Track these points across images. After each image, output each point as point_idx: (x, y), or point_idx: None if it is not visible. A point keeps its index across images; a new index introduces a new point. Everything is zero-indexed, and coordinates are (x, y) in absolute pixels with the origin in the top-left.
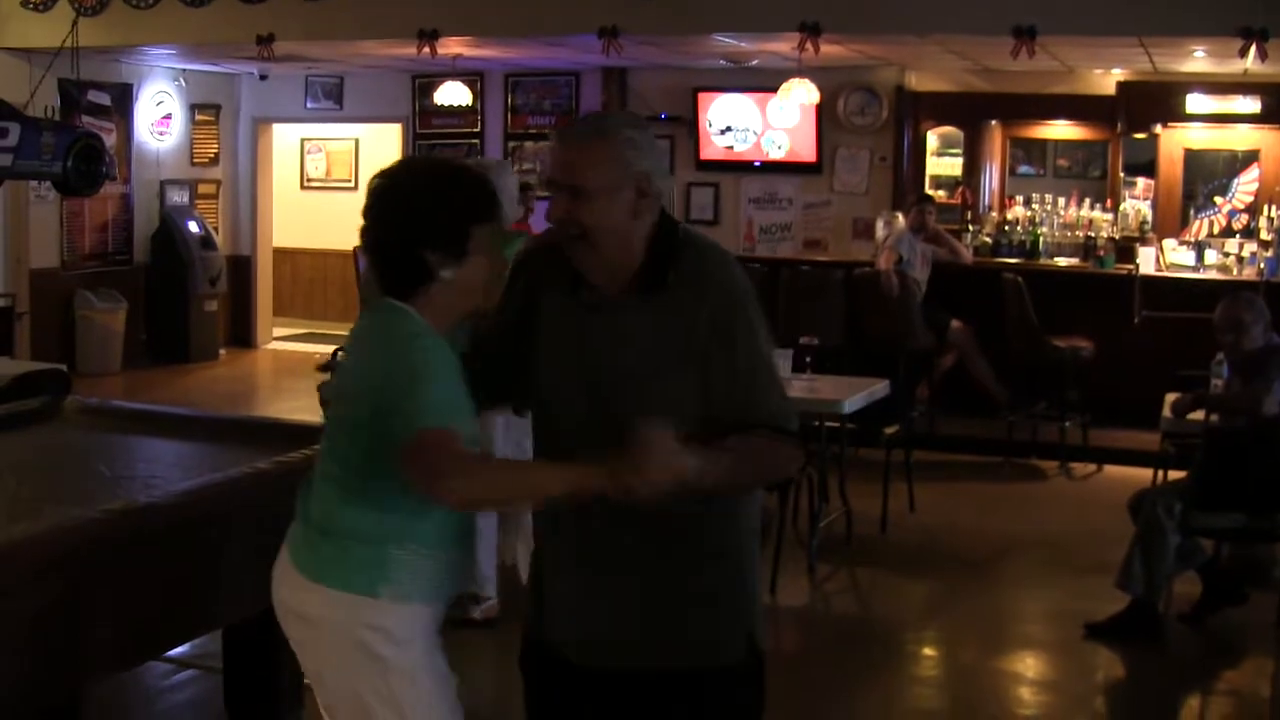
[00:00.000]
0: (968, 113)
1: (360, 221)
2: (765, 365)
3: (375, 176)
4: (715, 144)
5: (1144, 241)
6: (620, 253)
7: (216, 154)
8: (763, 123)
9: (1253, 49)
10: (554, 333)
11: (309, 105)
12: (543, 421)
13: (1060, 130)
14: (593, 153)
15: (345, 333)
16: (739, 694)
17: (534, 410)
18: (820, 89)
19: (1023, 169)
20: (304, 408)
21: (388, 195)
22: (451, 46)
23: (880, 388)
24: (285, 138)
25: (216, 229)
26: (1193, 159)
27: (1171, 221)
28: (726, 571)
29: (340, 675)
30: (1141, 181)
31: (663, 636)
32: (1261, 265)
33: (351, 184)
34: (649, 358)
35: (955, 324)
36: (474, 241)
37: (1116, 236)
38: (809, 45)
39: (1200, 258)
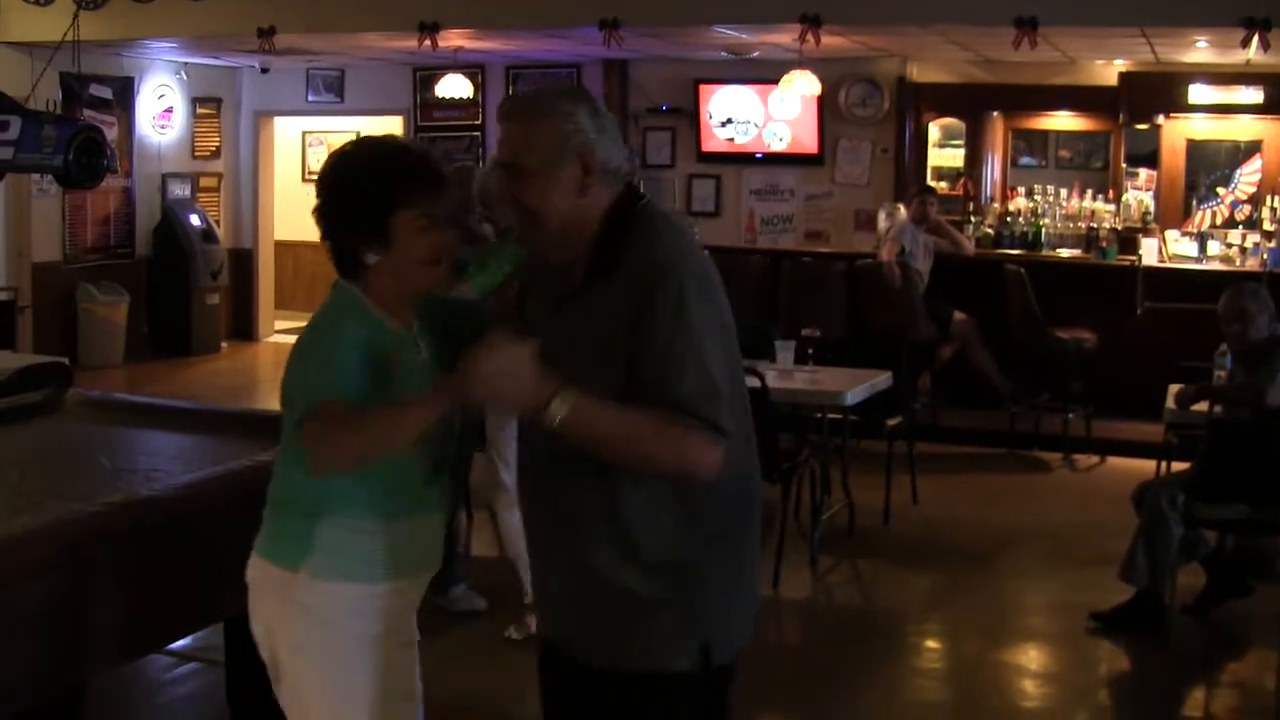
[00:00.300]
0: (969, 104)
1: None
2: (689, 344)
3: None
4: (716, 136)
5: (1146, 233)
6: (573, 235)
7: (218, 147)
8: (764, 114)
9: (1255, 39)
10: (530, 325)
11: (310, 98)
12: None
13: (1062, 121)
14: (529, 130)
15: None
16: (684, 706)
17: None
18: (821, 80)
19: (1024, 160)
20: None
21: (320, 181)
22: (452, 39)
23: (882, 379)
24: (286, 131)
25: (218, 222)
26: (1195, 150)
27: (1174, 212)
28: (668, 577)
29: (267, 642)
30: (1144, 172)
31: (600, 634)
32: (1264, 256)
33: None
34: (578, 354)
35: (958, 315)
36: (396, 228)
37: (1119, 228)
38: (810, 36)
39: (1203, 249)
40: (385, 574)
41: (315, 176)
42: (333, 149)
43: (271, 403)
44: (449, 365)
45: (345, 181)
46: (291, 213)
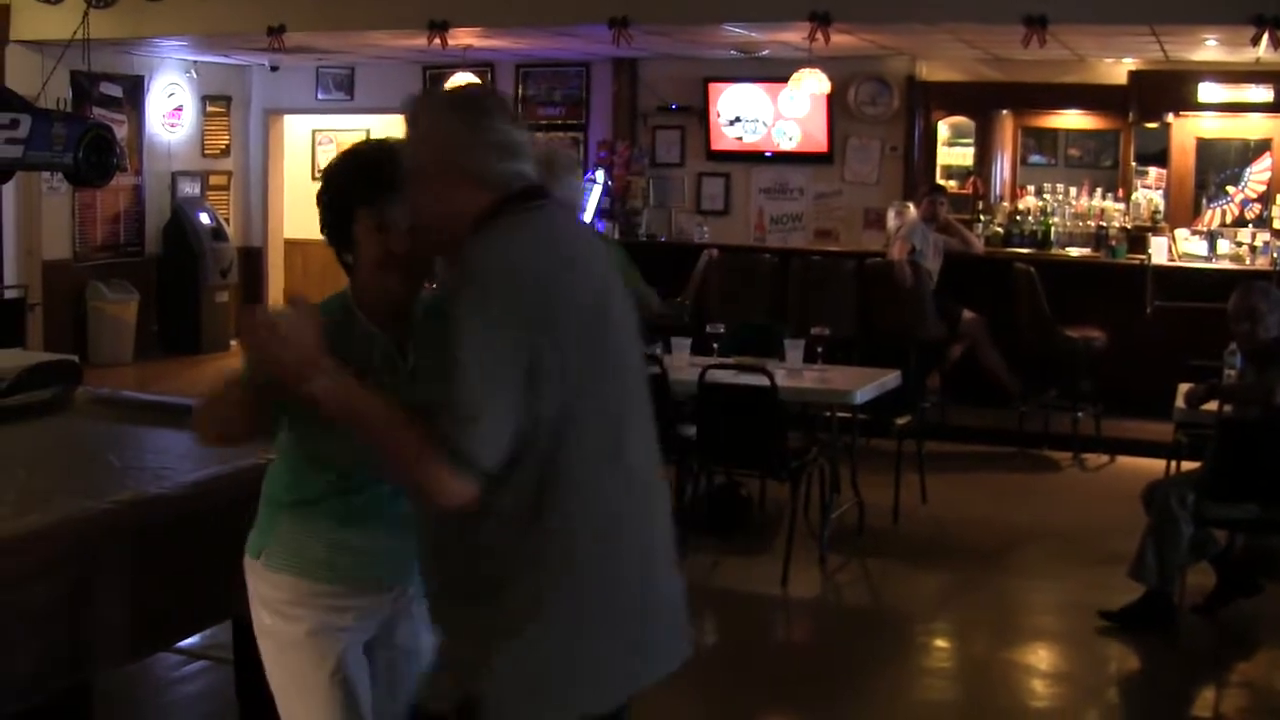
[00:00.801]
0: (979, 102)
1: None
2: (454, 358)
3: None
4: (726, 134)
5: (1156, 231)
6: (448, 251)
7: (228, 145)
8: (774, 113)
9: (1265, 37)
10: None
11: (320, 96)
12: None
13: (1072, 120)
14: (405, 136)
15: None
16: None
17: None
18: (831, 79)
19: (1034, 158)
20: None
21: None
22: (462, 37)
23: (891, 378)
24: (296, 129)
25: (228, 220)
26: (1205, 148)
27: (1184, 211)
28: (449, 607)
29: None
30: (1153, 171)
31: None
32: (1275, 255)
33: None
34: (428, 363)
35: (967, 314)
36: (357, 226)
37: (1128, 226)
38: (819, 35)
39: (1213, 247)
40: (331, 576)
41: None
42: (342, 147)
43: None
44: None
45: (324, 180)
46: (301, 211)
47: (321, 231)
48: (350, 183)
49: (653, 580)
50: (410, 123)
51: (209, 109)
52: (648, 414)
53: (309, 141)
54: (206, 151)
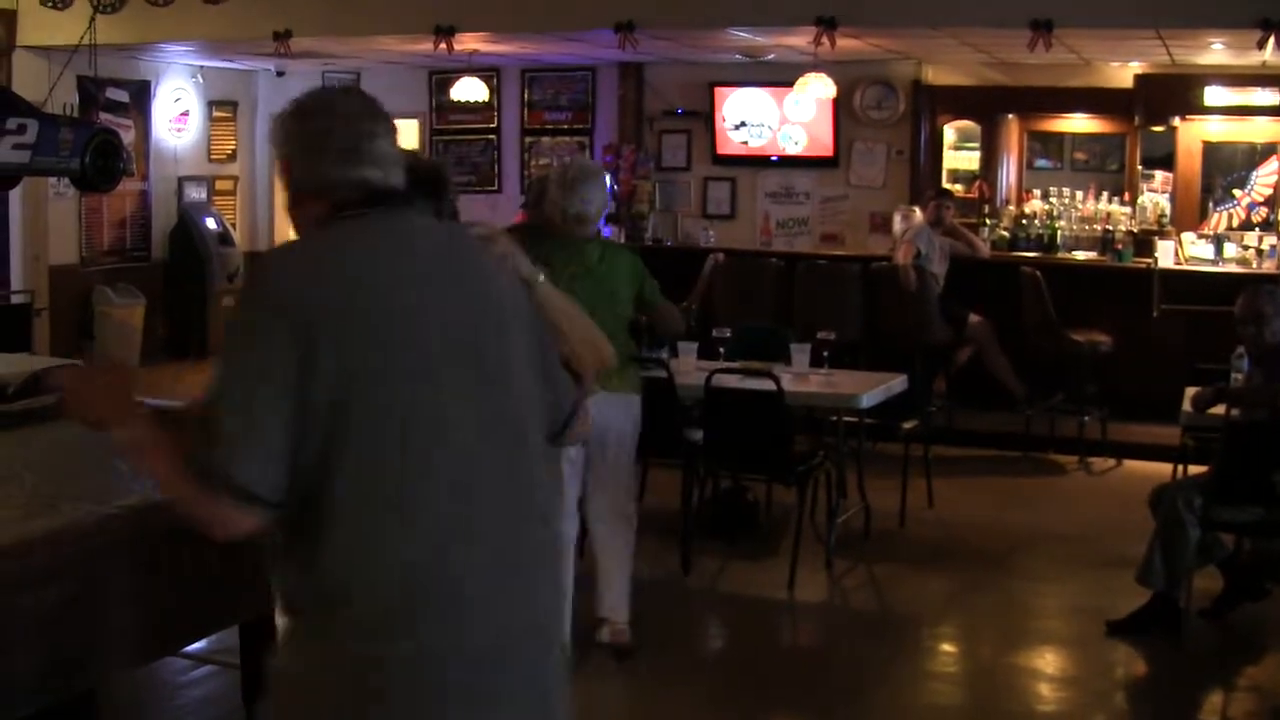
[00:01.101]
0: (985, 106)
1: None
2: (215, 378)
3: None
4: (731, 139)
5: (1162, 235)
6: None
7: (234, 150)
8: (779, 117)
9: (1271, 40)
10: None
11: None
12: None
13: (1077, 123)
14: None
15: None
16: None
17: None
18: (837, 83)
19: (1040, 162)
20: None
21: None
22: (468, 42)
23: (898, 382)
24: None
25: (234, 225)
26: (1211, 152)
27: (1190, 215)
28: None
29: None
30: (1159, 174)
31: None
32: None
33: None
34: None
35: (974, 318)
36: None
37: (1135, 230)
38: (825, 39)
39: (1219, 251)
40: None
41: None
42: None
43: None
44: None
45: None
46: None
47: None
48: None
49: (477, 659)
50: (271, 143)
51: (215, 114)
52: (513, 462)
53: None
54: (213, 156)
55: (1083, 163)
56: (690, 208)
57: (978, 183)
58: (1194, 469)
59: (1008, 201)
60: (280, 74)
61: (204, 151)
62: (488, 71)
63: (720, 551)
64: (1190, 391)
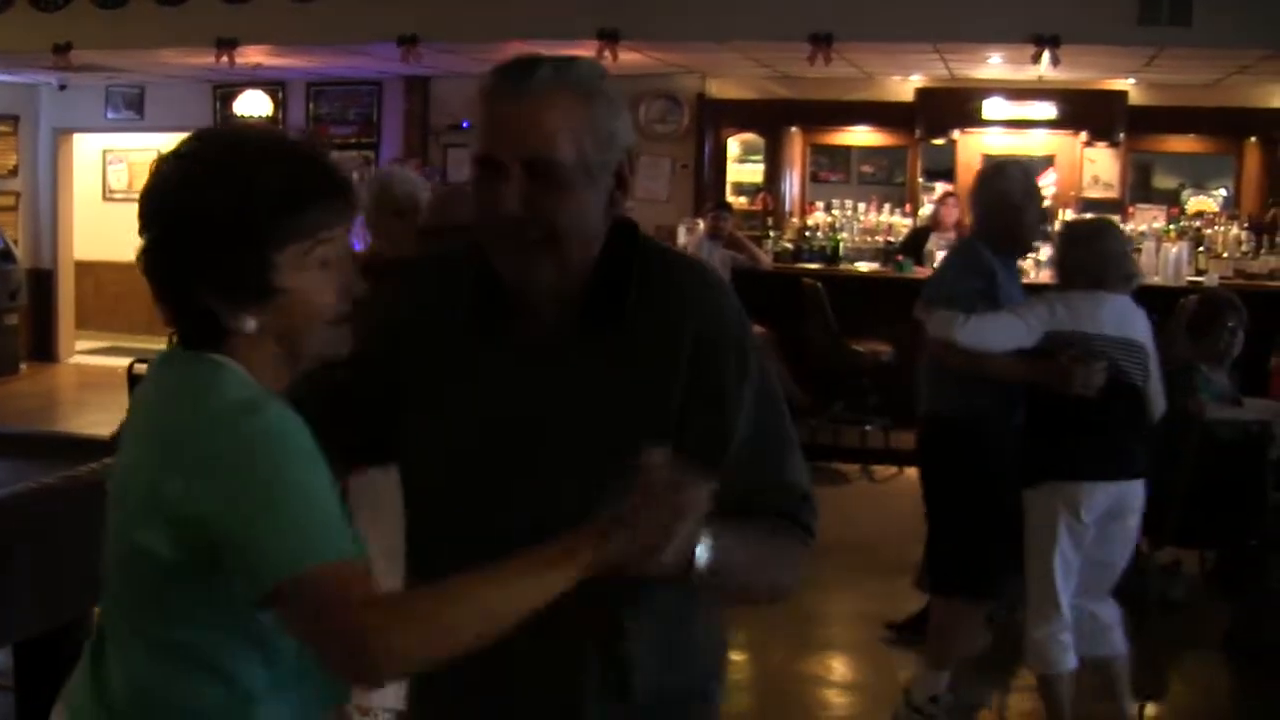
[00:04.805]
0: (768, 119)
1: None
2: (780, 428)
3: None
4: None
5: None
6: (579, 266)
7: (15, 165)
8: None
9: (1045, 55)
10: (449, 385)
11: (109, 115)
12: (430, 514)
13: (861, 136)
14: (574, 112)
15: (150, 346)
16: None
17: (414, 497)
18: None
19: (827, 175)
20: (107, 421)
21: (147, 206)
22: (251, 56)
23: None
24: (86, 149)
25: (16, 242)
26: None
27: (965, 221)
28: None
29: None
30: (939, 186)
31: None
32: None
33: None
34: (601, 424)
35: (756, 329)
36: (284, 267)
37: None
38: (608, 53)
39: None
40: None
41: (116, 195)
42: (135, 168)
43: (71, 424)
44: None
45: (198, 199)
46: (92, 232)
47: (176, 286)
48: (269, 198)
49: None
50: (564, 95)
51: None
52: None
53: (99, 161)
54: None
55: (869, 175)
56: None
57: (761, 195)
58: None
59: (791, 214)
60: (63, 87)
61: None
62: (273, 85)
63: None
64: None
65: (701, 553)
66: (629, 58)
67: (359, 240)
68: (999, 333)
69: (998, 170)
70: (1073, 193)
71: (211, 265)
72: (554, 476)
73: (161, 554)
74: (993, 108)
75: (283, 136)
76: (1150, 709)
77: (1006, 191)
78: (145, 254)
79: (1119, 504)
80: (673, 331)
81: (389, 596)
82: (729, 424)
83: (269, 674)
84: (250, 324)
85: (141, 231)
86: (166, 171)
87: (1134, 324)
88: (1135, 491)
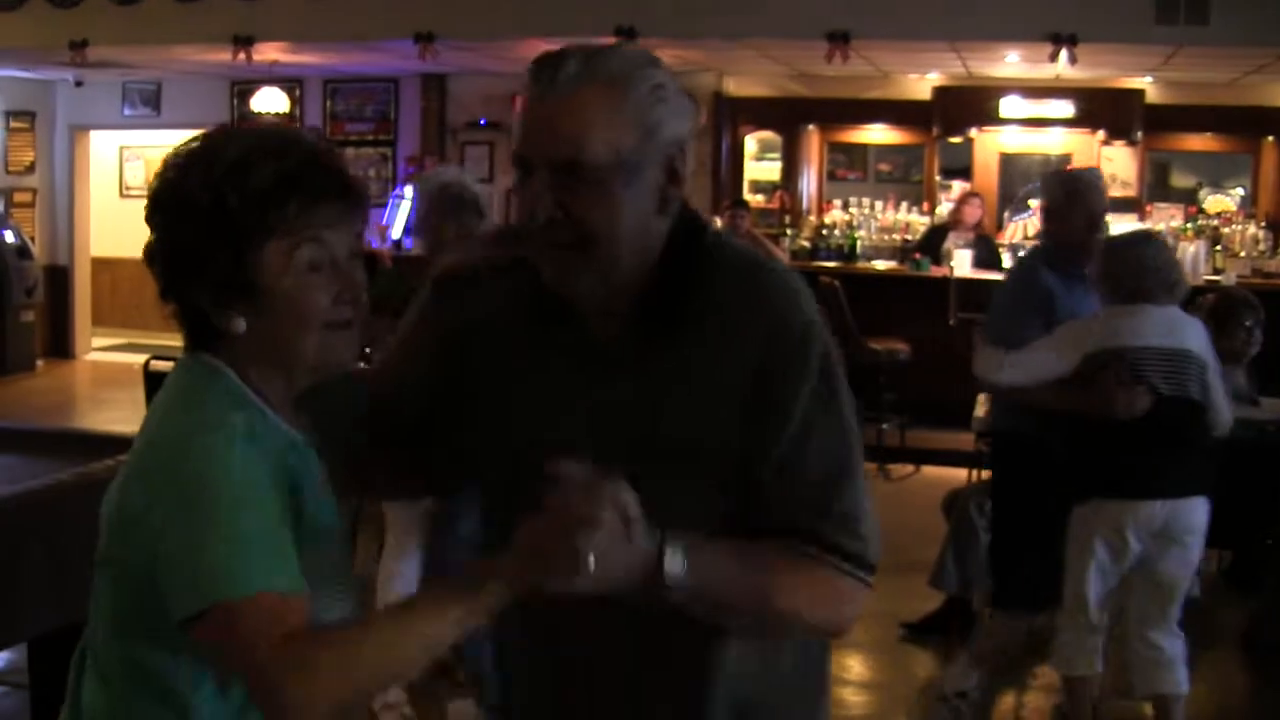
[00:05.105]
0: (785, 117)
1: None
2: (837, 451)
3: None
4: None
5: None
6: (632, 270)
7: (32, 162)
8: None
9: (1063, 53)
10: (509, 396)
11: (126, 112)
12: (499, 529)
13: (878, 135)
14: (603, 107)
15: (166, 343)
16: None
17: (485, 515)
18: None
19: (844, 173)
20: (123, 418)
21: (150, 202)
22: (268, 52)
23: None
24: (103, 145)
25: (33, 238)
26: (1007, 163)
27: (988, 224)
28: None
29: None
30: (957, 185)
31: None
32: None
33: None
34: (662, 438)
35: None
36: (266, 265)
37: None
38: None
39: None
40: None
41: (133, 192)
42: (151, 165)
43: (88, 420)
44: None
45: (179, 197)
46: (109, 229)
47: (173, 283)
48: (250, 193)
49: None
50: (597, 89)
51: (12, 125)
52: None
53: (116, 158)
54: (10, 168)
55: (887, 174)
56: (493, 219)
57: (779, 193)
58: (987, 474)
59: (809, 212)
60: (79, 84)
61: (1, 163)
62: (290, 82)
63: None
64: (983, 398)
65: (672, 565)
66: None
67: (419, 243)
68: (1034, 368)
69: (1046, 178)
70: None
71: (193, 258)
72: None
73: (123, 563)
74: (1010, 106)
75: (284, 133)
76: None
77: (1049, 199)
78: (145, 249)
79: (1171, 523)
80: (736, 342)
81: (310, 634)
82: (779, 440)
83: (223, 703)
84: (238, 324)
85: (149, 227)
86: (164, 165)
87: (1183, 334)
88: (1191, 510)
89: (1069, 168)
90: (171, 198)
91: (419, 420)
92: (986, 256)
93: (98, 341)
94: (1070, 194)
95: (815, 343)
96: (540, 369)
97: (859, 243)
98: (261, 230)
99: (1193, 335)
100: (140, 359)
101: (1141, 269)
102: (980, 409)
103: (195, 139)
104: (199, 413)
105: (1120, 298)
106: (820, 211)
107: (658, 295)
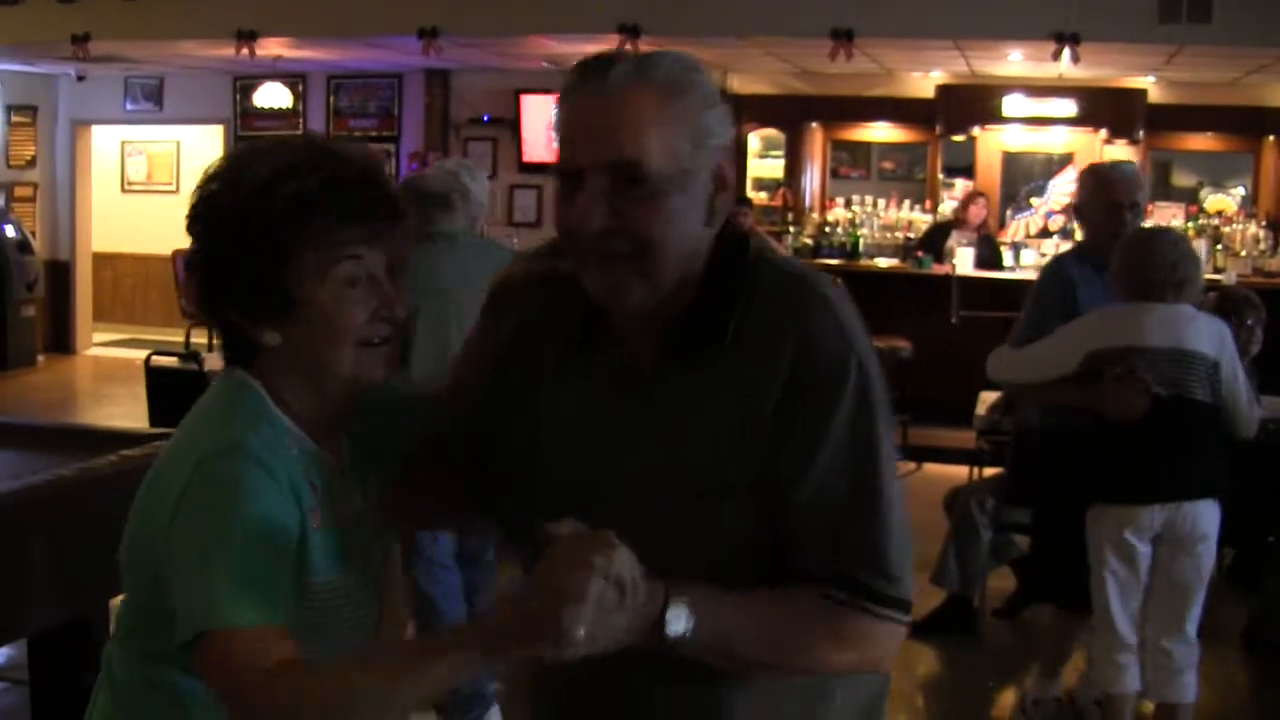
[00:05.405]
0: (789, 115)
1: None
2: (869, 487)
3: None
4: (538, 147)
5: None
6: (676, 285)
7: (34, 156)
8: None
9: (1066, 52)
10: (540, 413)
11: (128, 107)
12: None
13: (881, 132)
14: (660, 111)
15: (167, 338)
16: None
17: (515, 531)
18: None
19: (847, 171)
20: (124, 414)
21: (190, 212)
22: (271, 47)
23: None
24: (105, 140)
25: (34, 233)
26: (1010, 161)
27: (990, 223)
28: None
29: None
30: (960, 183)
31: None
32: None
33: (173, 187)
34: (690, 463)
35: None
36: (301, 278)
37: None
38: (629, 47)
39: (1017, 258)
40: None
41: (134, 187)
42: (153, 160)
43: (88, 415)
44: (374, 504)
45: (219, 210)
46: (110, 224)
47: (210, 295)
48: (290, 206)
49: None
50: (650, 91)
51: (14, 119)
52: None
53: (118, 153)
54: (12, 163)
55: (890, 172)
56: (496, 216)
57: (782, 190)
58: (988, 471)
59: (811, 209)
60: (81, 78)
61: (2, 157)
62: (293, 78)
63: None
64: (986, 396)
65: (675, 626)
66: (650, 52)
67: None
68: (1035, 365)
69: (1079, 172)
70: None
71: (226, 270)
72: (628, 520)
73: (138, 576)
74: (1013, 105)
75: (324, 146)
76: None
77: (1077, 192)
78: (186, 259)
79: (1179, 527)
80: (771, 365)
81: (297, 672)
82: (808, 472)
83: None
84: (271, 338)
85: (190, 237)
86: (203, 176)
87: (1190, 334)
88: (1200, 514)
89: (1096, 162)
90: (206, 211)
91: (476, 437)
92: (989, 255)
93: (99, 337)
94: (1093, 186)
95: (853, 371)
96: (574, 387)
97: (861, 240)
98: (292, 246)
99: (1202, 335)
100: (141, 354)
101: (1147, 266)
102: (981, 407)
103: (231, 153)
104: (220, 431)
105: (1128, 294)
106: (823, 209)
107: (699, 314)
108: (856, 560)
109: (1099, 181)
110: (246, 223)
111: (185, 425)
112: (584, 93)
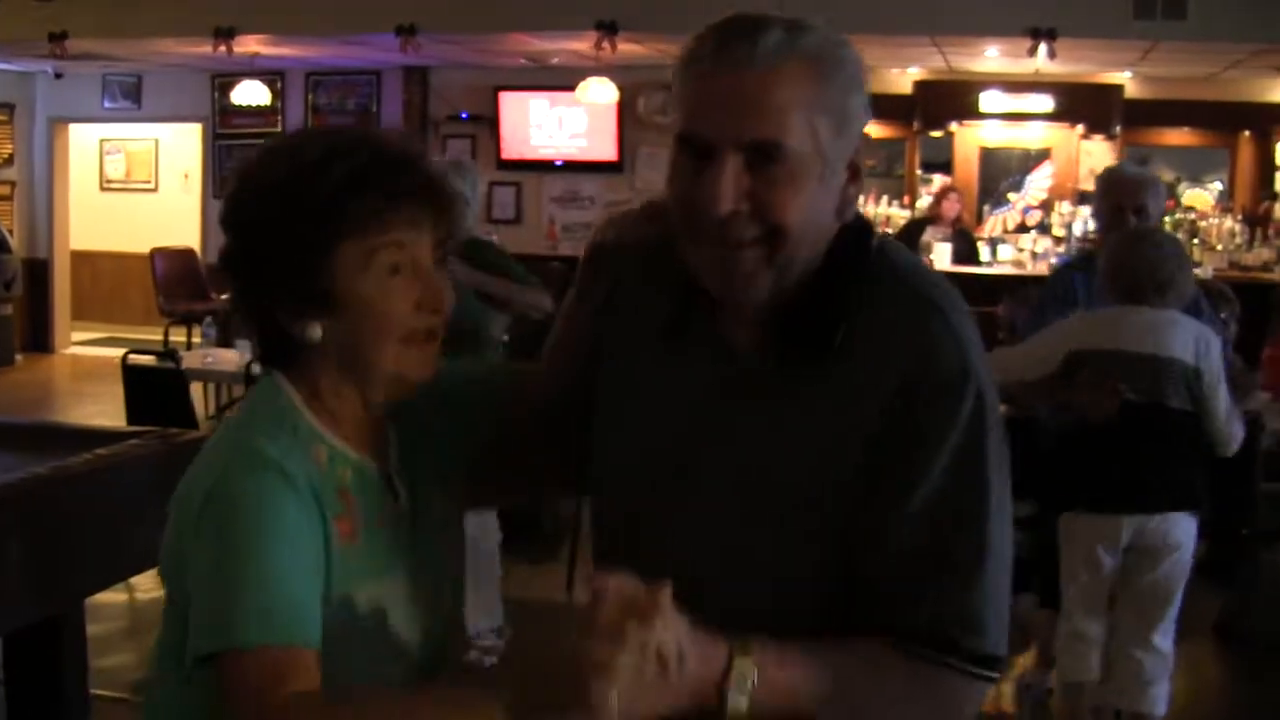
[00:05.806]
0: None
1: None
2: (970, 528)
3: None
4: (516, 144)
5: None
6: (796, 277)
7: (12, 154)
8: (563, 122)
9: (1042, 48)
10: (643, 393)
11: (106, 105)
12: (603, 537)
13: None
14: (809, 88)
15: (146, 337)
16: None
17: (594, 519)
18: (621, 87)
19: None
20: (102, 412)
21: (226, 209)
22: (249, 45)
23: None
24: (83, 138)
25: (12, 231)
26: (988, 157)
27: (967, 218)
28: None
29: None
30: (937, 179)
31: None
32: (1053, 260)
33: (152, 185)
34: (778, 473)
35: None
36: (343, 267)
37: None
38: (607, 44)
39: (994, 253)
40: None
41: (113, 185)
42: (132, 157)
43: (67, 414)
44: (443, 505)
45: (255, 200)
46: (89, 222)
47: (245, 289)
48: (316, 201)
49: None
50: (793, 64)
51: None
52: None
53: (96, 150)
54: None
55: (868, 168)
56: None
57: None
58: None
59: None
60: (59, 76)
61: None
62: (271, 75)
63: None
64: None
65: (737, 701)
66: (627, 49)
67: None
68: (1017, 365)
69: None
70: (1070, 185)
71: (267, 261)
72: (704, 525)
73: (171, 582)
74: (990, 100)
75: (360, 133)
76: None
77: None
78: (221, 254)
79: (1149, 538)
80: (880, 374)
81: (314, 703)
82: (905, 500)
83: None
84: (313, 331)
85: (226, 234)
86: (241, 165)
87: (1168, 339)
88: (1173, 525)
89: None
90: (247, 199)
91: (574, 404)
92: (965, 250)
93: (77, 335)
94: (1101, 188)
95: (969, 395)
96: (666, 364)
97: None
98: (337, 231)
99: (1181, 341)
100: (119, 353)
101: (1128, 267)
102: None
103: (271, 140)
104: (242, 440)
105: (1113, 296)
106: None
107: (811, 311)
108: (952, 621)
109: (1104, 183)
110: (296, 207)
111: (220, 431)
112: (724, 62)
